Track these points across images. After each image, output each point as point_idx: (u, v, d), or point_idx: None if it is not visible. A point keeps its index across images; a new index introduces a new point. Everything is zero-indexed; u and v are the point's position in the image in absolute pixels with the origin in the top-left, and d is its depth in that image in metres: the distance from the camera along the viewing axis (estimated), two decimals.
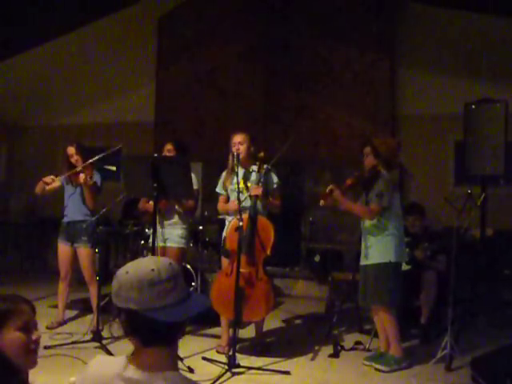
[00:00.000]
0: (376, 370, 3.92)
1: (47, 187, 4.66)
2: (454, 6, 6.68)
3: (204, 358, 4.08)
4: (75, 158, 4.65)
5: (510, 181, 6.00)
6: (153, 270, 1.38)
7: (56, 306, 5.03)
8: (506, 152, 5.34)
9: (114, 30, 8.04)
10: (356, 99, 7.38)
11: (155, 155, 4.49)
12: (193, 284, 5.39)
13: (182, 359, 3.89)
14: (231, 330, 4.04)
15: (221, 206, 4.44)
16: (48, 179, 4.57)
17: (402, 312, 4.42)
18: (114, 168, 4.70)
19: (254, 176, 4.25)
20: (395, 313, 4.01)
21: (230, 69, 7.95)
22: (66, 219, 4.78)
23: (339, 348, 4.34)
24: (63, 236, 4.77)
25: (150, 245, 4.31)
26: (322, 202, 4.12)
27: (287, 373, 3.82)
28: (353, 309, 5.11)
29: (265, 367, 3.91)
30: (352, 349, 4.41)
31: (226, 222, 4.36)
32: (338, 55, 7.48)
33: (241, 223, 3.81)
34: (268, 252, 4.07)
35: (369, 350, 4.32)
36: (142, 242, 5.71)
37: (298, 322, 5.55)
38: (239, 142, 4.22)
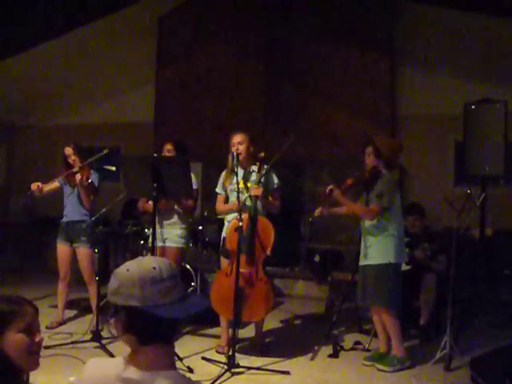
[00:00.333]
0: (379, 370, 3.92)
1: (44, 188, 4.67)
2: (453, 6, 6.68)
3: (204, 358, 4.08)
4: (73, 159, 4.66)
5: (510, 181, 6.00)
6: (154, 268, 1.40)
7: (55, 306, 5.03)
8: (506, 152, 5.33)
9: (113, 30, 8.03)
10: (356, 99, 7.38)
11: (155, 155, 4.50)
12: (192, 284, 5.39)
13: (181, 359, 3.89)
14: (231, 330, 4.04)
15: (220, 206, 4.43)
16: (34, 186, 4.56)
17: (401, 312, 4.41)
18: (113, 168, 4.71)
19: (253, 176, 4.25)
20: (396, 313, 4.01)
21: (230, 69, 7.95)
22: (64, 219, 4.79)
23: (339, 348, 4.34)
24: (62, 236, 4.77)
25: (150, 245, 4.32)
26: (317, 212, 4.13)
27: (287, 373, 3.82)
28: (352, 309, 5.11)
29: (264, 367, 3.91)
30: (351, 349, 4.42)
31: (226, 223, 4.36)
32: (337, 55, 7.48)
33: (240, 223, 3.81)
34: (268, 252, 4.07)
35: (368, 350, 4.32)
36: (142, 242, 5.72)
37: (297, 322, 5.55)
38: (239, 142, 4.22)
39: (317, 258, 6.60)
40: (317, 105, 7.54)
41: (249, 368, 3.84)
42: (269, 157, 4.22)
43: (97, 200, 4.74)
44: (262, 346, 4.38)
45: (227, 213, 4.37)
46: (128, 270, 1.41)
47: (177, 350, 4.01)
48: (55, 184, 4.76)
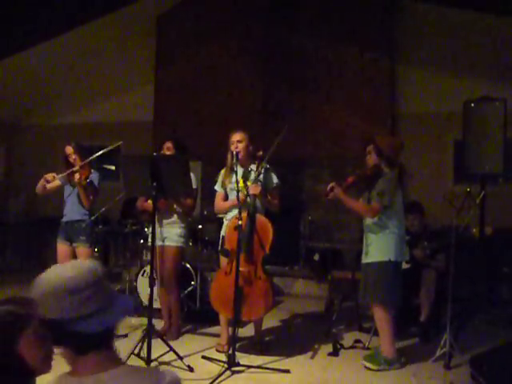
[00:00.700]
0: (366, 367, 3.91)
1: (48, 186, 4.66)
2: (453, 5, 6.68)
3: (204, 357, 4.08)
4: (73, 158, 4.65)
5: (510, 179, 6.01)
6: (71, 277, 1.31)
7: None
8: (505, 150, 5.34)
9: (112, 29, 8.02)
10: (355, 98, 7.38)
11: (154, 154, 4.50)
12: (192, 283, 5.39)
13: (181, 358, 3.89)
14: (231, 329, 4.05)
15: (219, 203, 4.43)
16: (50, 176, 4.57)
17: (401, 310, 4.42)
18: (112, 167, 4.71)
19: (253, 175, 4.25)
20: (393, 313, 4.01)
21: (229, 67, 7.95)
22: (64, 219, 4.78)
23: (339, 346, 4.34)
24: (62, 235, 4.77)
25: (150, 244, 4.32)
26: (325, 196, 4.10)
27: (287, 371, 3.83)
28: (352, 307, 5.12)
29: (264, 366, 3.91)
30: (351, 347, 4.42)
31: (225, 221, 4.36)
32: (337, 54, 7.48)
33: (240, 222, 3.81)
34: (267, 250, 4.07)
35: (368, 349, 4.32)
36: (142, 241, 5.72)
37: (297, 320, 5.55)
38: (238, 141, 4.22)
39: (316, 257, 6.61)
40: (316, 104, 7.54)
41: (249, 367, 3.84)
42: (267, 156, 4.22)
43: (97, 199, 4.74)
44: (262, 344, 4.38)
45: (226, 211, 4.37)
46: (45, 281, 1.33)
47: (177, 348, 4.03)
48: (57, 183, 4.75)
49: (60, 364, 1.43)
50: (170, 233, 4.54)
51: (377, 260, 3.95)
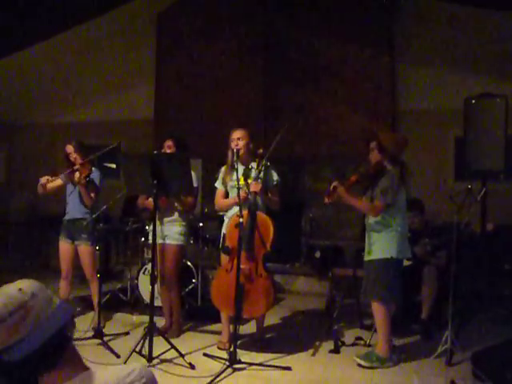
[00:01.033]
0: (358, 365, 3.91)
1: (48, 186, 4.67)
2: (453, 0, 6.66)
3: (205, 355, 4.09)
4: (74, 156, 4.66)
5: (511, 176, 5.99)
6: None
7: None
8: (507, 147, 5.33)
9: (112, 27, 8.03)
10: (356, 95, 7.37)
11: (155, 152, 4.50)
12: (193, 281, 5.40)
13: (183, 355, 3.91)
14: (232, 326, 4.05)
15: (219, 201, 4.43)
16: (44, 179, 4.57)
17: (402, 308, 4.42)
18: (113, 165, 4.72)
19: (253, 173, 4.24)
20: (393, 311, 4.00)
21: (230, 65, 7.94)
22: (66, 217, 4.80)
23: (340, 344, 4.35)
24: (64, 234, 4.78)
25: (150, 242, 4.33)
26: (326, 200, 4.11)
27: (288, 368, 3.83)
28: (353, 304, 5.12)
29: (266, 363, 3.92)
30: (353, 344, 4.42)
31: (226, 219, 4.36)
32: (337, 51, 7.46)
33: (241, 219, 3.81)
34: (268, 248, 4.07)
35: (369, 346, 4.33)
36: (143, 239, 5.73)
37: (298, 318, 5.55)
38: (238, 138, 4.22)
39: (317, 254, 6.60)
40: (316, 101, 7.53)
41: (250, 364, 3.84)
42: (268, 153, 4.21)
43: (98, 198, 4.74)
44: (263, 341, 4.39)
45: (226, 209, 4.37)
46: None
47: (178, 346, 4.03)
48: (58, 181, 4.76)
49: None
50: (171, 231, 4.54)
51: (378, 257, 3.94)
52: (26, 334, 1.23)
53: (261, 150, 4.18)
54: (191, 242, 5.47)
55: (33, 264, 7.89)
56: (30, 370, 1.25)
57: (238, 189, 3.96)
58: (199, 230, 5.55)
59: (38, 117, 9.07)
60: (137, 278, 5.48)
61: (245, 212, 3.97)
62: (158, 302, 4.72)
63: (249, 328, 4.68)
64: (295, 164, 7.47)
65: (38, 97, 8.72)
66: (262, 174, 4.17)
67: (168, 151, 4.55)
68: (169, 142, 4.59)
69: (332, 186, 3.97)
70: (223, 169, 4.41)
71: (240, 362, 3.80)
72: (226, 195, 4.40)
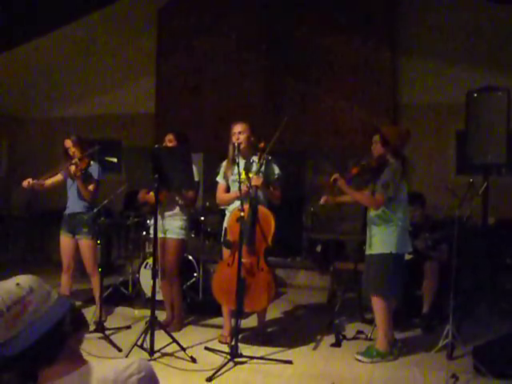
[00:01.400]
0: (356, 359, 3.90)
1: (46, 182, 4.68)
2: None
3: (206, 348, 4.10)
4: (72, 151, 4.66)
5: None
6: None
7: None
8: (508, 141, 5.31)
9: (113, 22, 8.00)
10: (357, 89, 7.35)
11: (156, 146, 4.49)
12: (195, 274, 5.41)
13: (184, 349, 3.91)
14: (233, 320, 4.06)
15: (221, 195, 4.42)
16: (25, 183, 4.55)
17: (403, 302, 4.42)
18: (114, 159, 4.71)
19: (255, 166, 4.23)
20: (394, 305, 4.00)
21: (230, 60, 7.91)
22: (67, 211, 4.80)
23: (341, 337, 4.35)
24: (65, 228, 4.78)
25: (152, 236, 4.33)
26: (322, 201, 4.12)
27: (289, 362, 3.84)
28: (354, 298, 5.13)
29: (267, 357, 3.93)
30: (354, 338, 4.42)
31: (227, 213, 4.36)
32: (338, 44, 7.43)
33: (242, 213, 3.81)
34: (269, 242, 4.07)
35: (370, 339, 4.33)
36: (144, 233, 5.73)
37: (299, 311, 5.56)
38: (239, 132, 4.21)
39: (319, 248, 6.61)
40: (318, 95, 7.51)
41: (251, 357, 3.85)
42: (269, 147, 4.20)
43: (99, 192, 4.75)
44: (265, 335, 4.39)
45: (228, 203, 4.36)
46: None
47: (180, 340, 4.04)
48: (58, 177, 4.77)
49: None
50: (172, 225, 4.54)
51: (379, 252, 3.94)
52: (23, 329, 1.23)
53: (262, 144, 4.17)
54: (192, 235, 5.47)
55: (34, 258, 7.91)
56: (28, 365, 1.26)
57: (240, 183, 3.95)
58: (200, 224, 5.55)
59: (40, 111, 9.06)
60: (138, 272, 5.49)
61: (246, 206, 3.96)
62: (159, 296, 4.73)
63: (250, 322, 4.68)
64: (297, 158, 7.45)
65: (39, 91, 8.70)
66: (263, 168, 4.16)
67: (169, 145, 4.54)
68: (170, 136, 4.58)
69: (332, 179, 3.96)
70: (224, 163, 4.40)
71: (241, 355, 3.81)
72: (228, 189, 4.39)
